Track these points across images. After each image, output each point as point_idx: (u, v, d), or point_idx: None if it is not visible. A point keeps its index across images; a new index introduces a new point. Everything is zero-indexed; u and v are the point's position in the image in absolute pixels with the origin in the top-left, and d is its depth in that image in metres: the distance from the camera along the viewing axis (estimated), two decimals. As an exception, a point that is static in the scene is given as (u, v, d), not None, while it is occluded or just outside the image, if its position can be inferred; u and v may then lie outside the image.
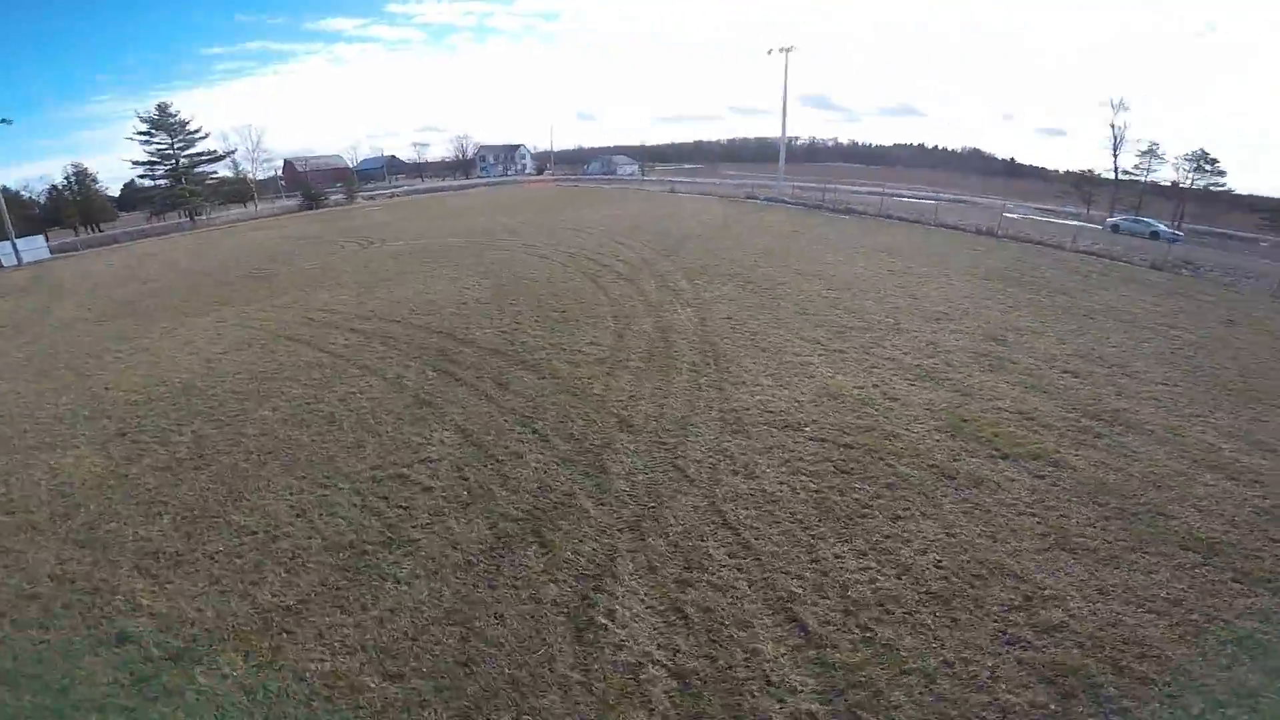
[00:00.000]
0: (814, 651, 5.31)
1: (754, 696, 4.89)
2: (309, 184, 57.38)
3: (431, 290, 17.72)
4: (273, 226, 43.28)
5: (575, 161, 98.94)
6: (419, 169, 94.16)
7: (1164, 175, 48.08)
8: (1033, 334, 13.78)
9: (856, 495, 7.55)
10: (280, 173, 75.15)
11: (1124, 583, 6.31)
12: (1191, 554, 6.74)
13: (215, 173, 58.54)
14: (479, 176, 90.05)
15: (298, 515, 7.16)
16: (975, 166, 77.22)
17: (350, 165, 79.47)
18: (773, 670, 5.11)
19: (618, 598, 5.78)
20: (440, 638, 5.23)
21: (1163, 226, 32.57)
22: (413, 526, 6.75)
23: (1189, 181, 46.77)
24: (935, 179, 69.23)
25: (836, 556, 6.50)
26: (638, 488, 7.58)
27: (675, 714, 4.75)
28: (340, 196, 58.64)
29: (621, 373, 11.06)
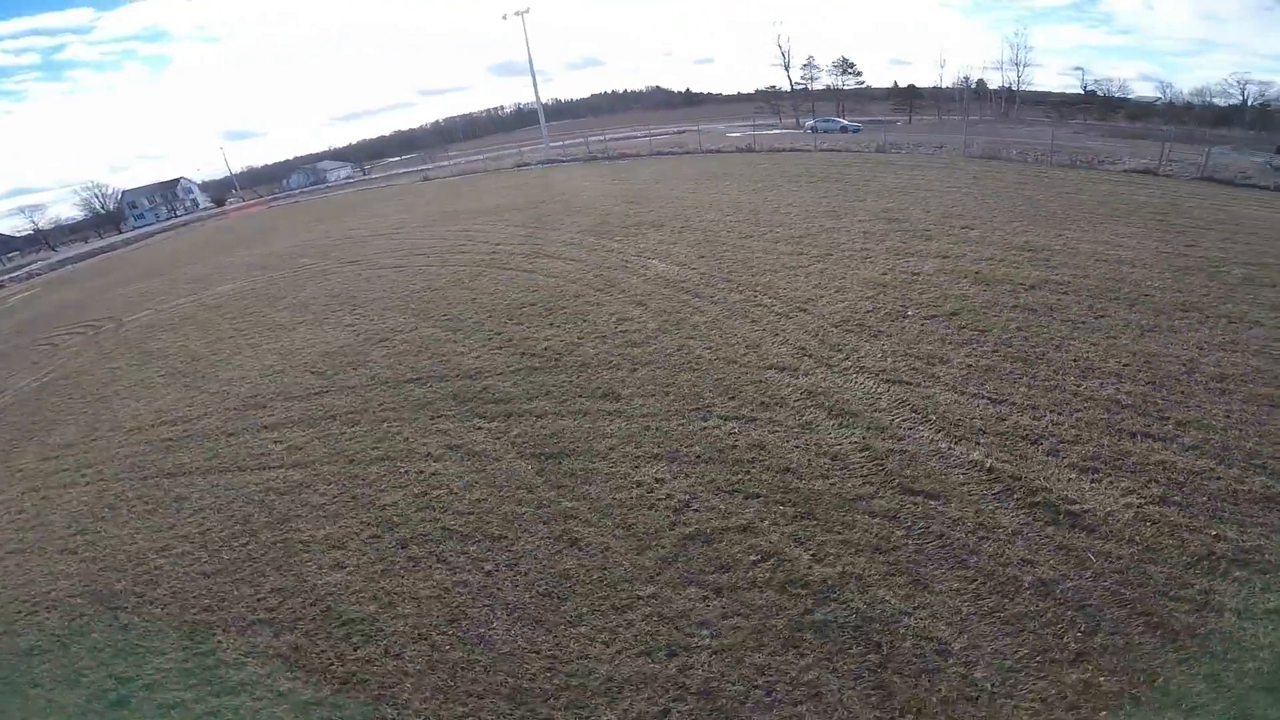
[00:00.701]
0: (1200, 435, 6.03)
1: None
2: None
3: (305, 342, 12.88)
4: None
5: (263, 180, 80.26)
6: (39, 239, 66.52)
7: (822, 82, 60.10)
8: (901, 210, 16.18)
9: (1019, 344, 8.26)
10: None
11: (1213, 337, 8.06)
12: (1196, 314, 8.82)
13: None
14: (136, 226, 67.39)
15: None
16: (660, 101, 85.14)
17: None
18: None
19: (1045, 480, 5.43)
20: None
21: (846, 122, 40.78)
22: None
23: (840, 84, 59.28)
24: (633, 119, 74.54)
25: (1084, 383, 7.06)
26: (899, 414, 6.96)
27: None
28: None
29: (703, 332, 9.76)
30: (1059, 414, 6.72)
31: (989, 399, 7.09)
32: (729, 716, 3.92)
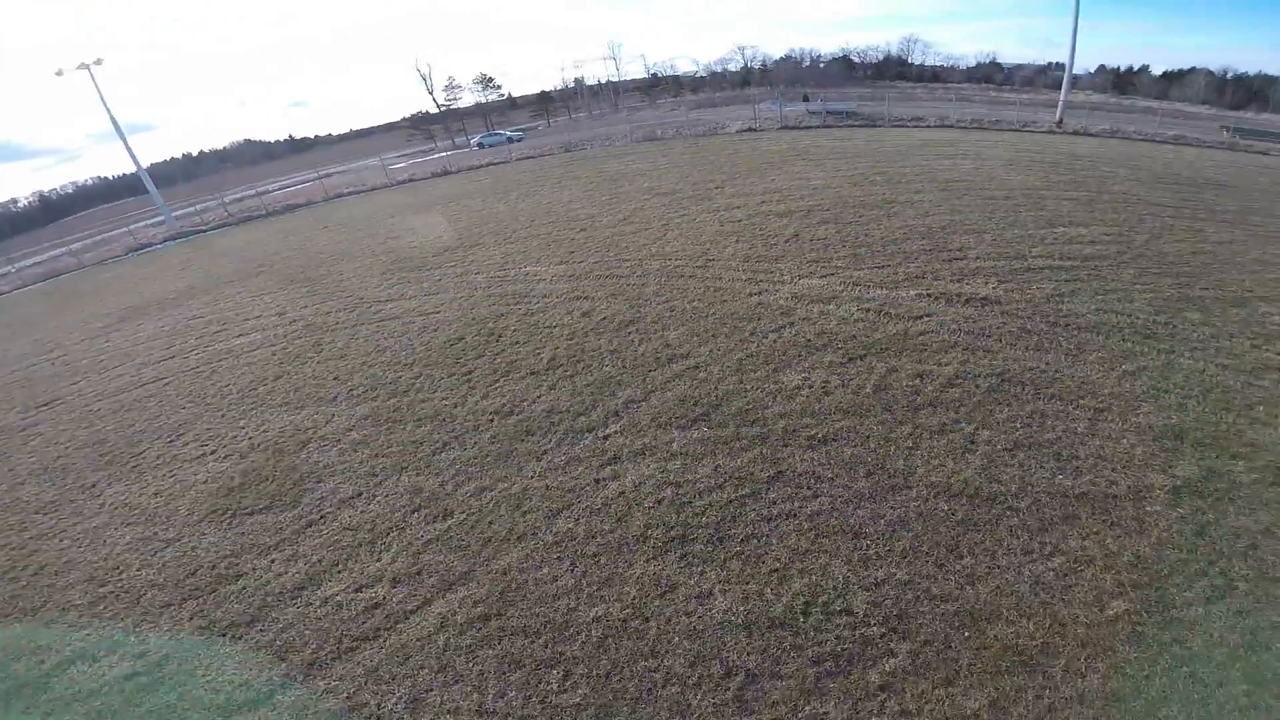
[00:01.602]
0: (987, 249, 10.55)
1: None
2: None
3: (160, 492, 8.26)
4: None
5: None
6: None
7: (466, 100, 61.47)
8: (660, 186, 19.93)
9: (851, 239, 12.46)
10: None
11: (930, 211, 13.76)
12: (913, 207, 14.79)
13: None
14: None
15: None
16: (258, 154, 72.64)
17: None
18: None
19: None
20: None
21: (510, 133, 43.40)
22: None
23: (484, 99, 61.02)
24: (236, 178, 62.40)
25: (904, 245, 11.46)
26: (859, 290, 10.00)
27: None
28: None
29: (667, 295, 10.99)
30: (916, 263, 10.86)
31: (882, 268, 10.81)
32: (1056, 451, 6.23)
